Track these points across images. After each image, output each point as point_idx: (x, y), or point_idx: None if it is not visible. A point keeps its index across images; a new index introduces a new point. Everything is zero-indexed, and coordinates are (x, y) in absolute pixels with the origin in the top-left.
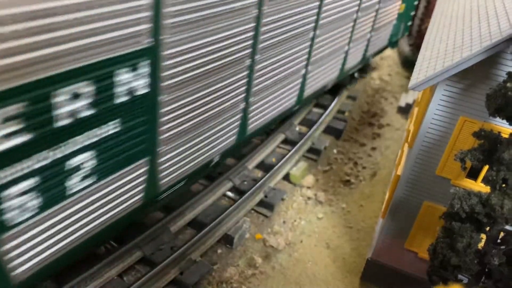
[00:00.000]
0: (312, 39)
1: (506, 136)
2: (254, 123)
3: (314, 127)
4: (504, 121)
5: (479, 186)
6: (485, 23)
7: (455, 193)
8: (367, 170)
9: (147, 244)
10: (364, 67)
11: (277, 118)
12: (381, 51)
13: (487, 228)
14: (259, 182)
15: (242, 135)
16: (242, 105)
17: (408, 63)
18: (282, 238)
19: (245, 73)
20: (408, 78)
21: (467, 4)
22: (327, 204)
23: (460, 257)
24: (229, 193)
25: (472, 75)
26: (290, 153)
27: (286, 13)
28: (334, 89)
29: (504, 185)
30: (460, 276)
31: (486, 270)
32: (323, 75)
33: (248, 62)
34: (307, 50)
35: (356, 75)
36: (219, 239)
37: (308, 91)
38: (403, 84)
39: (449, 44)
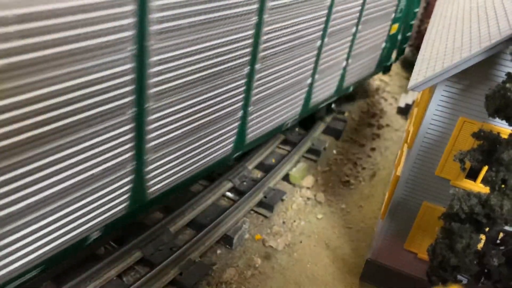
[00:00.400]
0: (249, 76)
1: (506, 136)
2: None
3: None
4: (504, 121)
5: (478, 187)
6: (485, 24)
7: (455, 194)
8: (367, 170)
9: (147, 244)
10: (353, 95)
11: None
12: (367, 78)
13: (487, 229)
14: (259, 183)
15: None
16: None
17: (408, 64)
18: (282, 238)
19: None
20: (408, 78)
21: (466, 5)
22: (327, 204)
23: (459, 257)
24: (229, 194)
25: (472, 76)
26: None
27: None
28: (308, 122)
29: (503, 186)
30: (459, 277)
31: (486, 270)
32: (276, 115)
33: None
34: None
35: (333, 106)
36: (219, 239)
37: (252, 135)
38: (403, 85)
39: (448, 45)
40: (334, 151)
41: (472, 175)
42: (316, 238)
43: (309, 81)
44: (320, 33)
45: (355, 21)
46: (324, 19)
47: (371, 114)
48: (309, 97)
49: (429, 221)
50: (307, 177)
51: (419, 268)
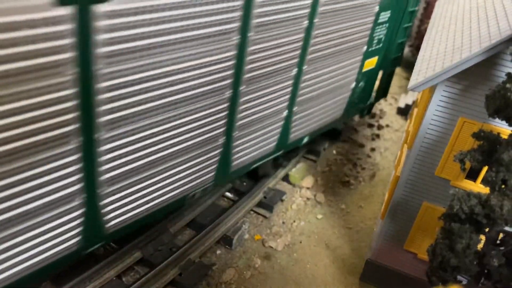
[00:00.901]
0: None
1: (506, 137)
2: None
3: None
4: (504, 122)
5: (478, 187)
6: (485, 24)
7: (455, 194)
8: (367, 171)
9: (146, 244)
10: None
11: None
12: (333, 125)
13: (487, 229)
14: (259, 183)
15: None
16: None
17: (408, 64)
18: (281, 239)
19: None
20: (408, 79)
21: (466, 5)
22: (327, 205)
23: (459, 258)
24: (228, 194)
25: (472, 76)
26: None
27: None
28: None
29: (503, 186)
30: (459, 277)
31: (486, 271)
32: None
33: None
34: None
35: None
36: (218, 240)
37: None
38: (403, 85)
39: (448, 45)
40: (334, 152)
41: (472, 175)
42: (316, 238)
43: (222, 140)
44: (231, 80)
45: (296, 60)
46: (233, 62)
47: (371, 114)
48: (226, 159)
49: (429, 221)
50: (307, 177)
51: (419, 268)
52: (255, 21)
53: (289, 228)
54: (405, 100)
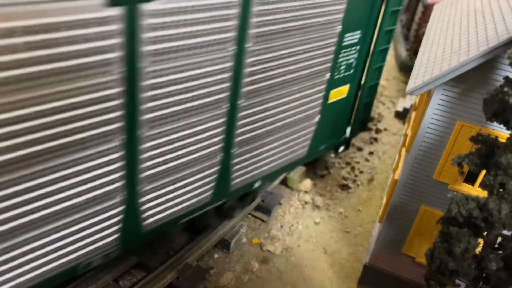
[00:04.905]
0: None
1: (504, 140)
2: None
3: None
4: (501, 125)
5: (476, 191)
6: (482, 27)
7: (453, 198)
8: (365, 174)
9: (143, 248)
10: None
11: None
12: (295, 166)
13: (485, 233)
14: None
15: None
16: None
17: (406, 68)
18: (279, 242)
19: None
20: (406, 82)
21: (464, 9)
22: (325, 208)
23: (457, 262)
24: None
25: (469, 80)
26: None
27: None
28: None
29: (501, 190)
30: (457, 281)
31: (484, 275)
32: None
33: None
34: None
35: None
36: (216, 243)
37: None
38: (401, 89)
39: (446, 48)
40: (332, 155)
41: (470, 179)
42: (314, 242)
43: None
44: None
45: (224, 95)
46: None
47: (369, 118)
48: (134, 218)
49: (427, 225)
50: (305, 181)
51: (417, 272)
52: (145, 48)
53: (287, 231)
54: (403, 103)
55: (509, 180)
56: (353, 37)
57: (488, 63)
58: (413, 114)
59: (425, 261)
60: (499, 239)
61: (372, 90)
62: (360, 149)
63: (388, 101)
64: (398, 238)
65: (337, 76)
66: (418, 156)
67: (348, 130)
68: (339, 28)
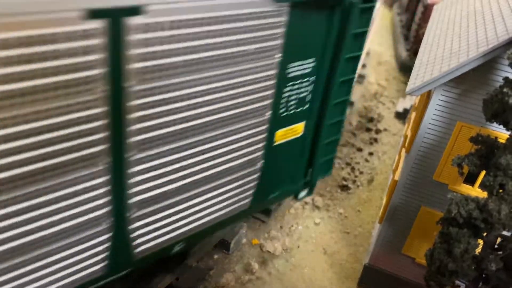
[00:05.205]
0: None
1: (503, 141)
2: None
3: None
4: (501, 126)
5: (476, 192)
6: (482, 28)
7: (453, 198)
8: (365, 175)
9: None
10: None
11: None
12: (236, 221)
13: (484, 234)
14: None
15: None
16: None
17: (406, 68)
18: (279, 243)
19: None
20: (405, 83)
21: (464, 9)
22: (324, 209)
23: (457, 262)
24: None
25: (469, 81)
26: None
27: None
28: None
29: (501, 191)
30: (457, 282)
31: (483, 275)
32: None
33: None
34: None
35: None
36: (216, 244)
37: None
38: (401, 89)
39: (446, 49)
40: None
41: (470, 179)
42: (314, 243)
43: None
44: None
45: (102, 148)
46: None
47: (369, 118)
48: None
49: (427, 225)
50: None
51: (417, 273)
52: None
53: (287, 232)
54: (403, 104)
55: (508, 181)
56: (302, 66)
57: (488, 63)
58: (413, 115)
59: (425, 261)
60: (499, 239)
61: (336, 127)
62: (360, 150)
63: (388, 101)
64: (398, 238)
65: (284, 114)
66: (418, 157)
67: (309, 172)
68: (278, 56)
